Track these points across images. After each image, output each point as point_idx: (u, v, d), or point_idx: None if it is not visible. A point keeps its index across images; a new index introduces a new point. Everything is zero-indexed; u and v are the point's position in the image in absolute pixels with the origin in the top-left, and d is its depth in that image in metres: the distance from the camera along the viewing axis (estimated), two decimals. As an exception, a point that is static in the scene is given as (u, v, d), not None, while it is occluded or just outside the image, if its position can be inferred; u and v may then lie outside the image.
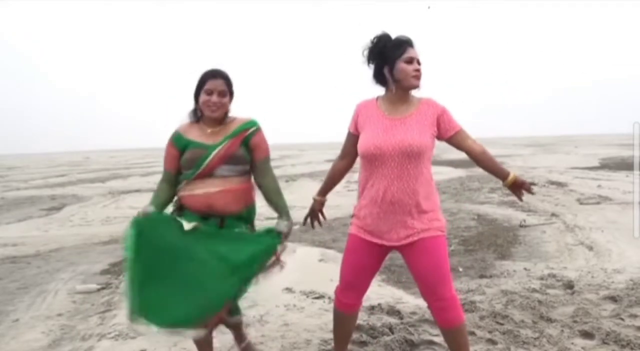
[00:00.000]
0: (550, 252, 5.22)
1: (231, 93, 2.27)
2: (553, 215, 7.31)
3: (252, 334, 2.94)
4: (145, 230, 2.07)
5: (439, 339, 2.87)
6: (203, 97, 2.21)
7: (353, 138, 2.30)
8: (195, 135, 2.25)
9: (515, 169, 14.99)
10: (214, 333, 2.49)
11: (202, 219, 2.19)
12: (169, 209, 2.31)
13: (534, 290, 3.73)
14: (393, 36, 2.20)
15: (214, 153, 2.18)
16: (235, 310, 2.45)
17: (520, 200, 2.33)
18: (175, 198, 2.31)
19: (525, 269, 4.47)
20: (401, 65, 2.13)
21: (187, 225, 2.13)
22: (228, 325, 2.53)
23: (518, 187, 2.25)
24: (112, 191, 13.69)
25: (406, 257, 2.23)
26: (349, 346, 2.80)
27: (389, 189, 2.13)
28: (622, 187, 9.99)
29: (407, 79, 2.14)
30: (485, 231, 6.41)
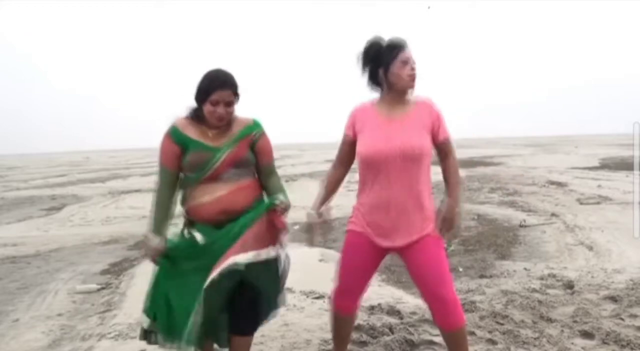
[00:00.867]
0: (550, 252, 5.22)
1: (237, 98, 2.15)
2: (553, 215, 7.31)
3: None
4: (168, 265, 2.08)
5: (439, 339, 2.87)
6: (208, 107, 2.06)
7: (350, 143, 2.26)
8: (196, 134, 2.11)
9: (515, 169, 14.94)
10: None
11: (217, 229, 2.07)
12: (178, 225, 2.18)
13: (534, 290, 3.73)
14: (386, 39, 2.18)
15: (222, 157, 2.07)
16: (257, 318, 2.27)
17: (443, 235, 2.19)
18: (183, 211, 2.17)
19: (525, 269, 4.47)
20: (396, 67, 2.12)
21: (199, 238, 2.06)
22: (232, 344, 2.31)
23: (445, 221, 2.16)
24: (112, 191, 13.70)
25: (406, 259, 2.20)
26: (349, 346, 2.80)
27: (392, 192, 2.12)
28: (622, 187, 9.99)
29: (403, 81, 2.13)
30: (485, 231, 6.41)
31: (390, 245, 2.17)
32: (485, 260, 4.94)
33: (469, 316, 3.19)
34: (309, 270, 4.55)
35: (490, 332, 2.91)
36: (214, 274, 1.93)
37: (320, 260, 4.93)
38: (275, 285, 2.22)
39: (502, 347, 2.72)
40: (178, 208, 2.20)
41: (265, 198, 2.21)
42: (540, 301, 3.42)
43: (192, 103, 2.17)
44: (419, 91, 2.23)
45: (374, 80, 2.20)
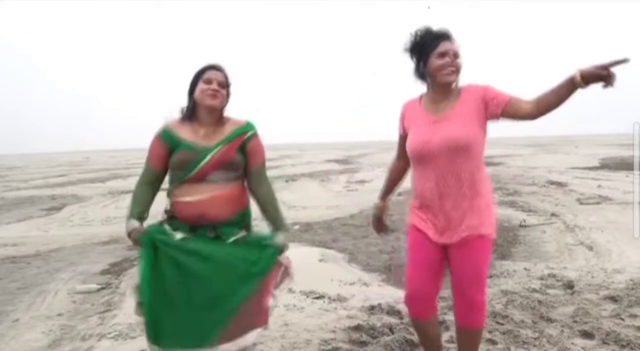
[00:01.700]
0: (550, 252, 5.22)
1: (228, 90, 2.16)
2: (553, 215, 7.31)
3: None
4: (155, 247, 2.07)
5: (439, 339, 2.87)
6: (201, 86, 2.07)
7: (403, 140, 2.25)
8: (187, 135, 2.09)
9: (515, 169, 14.95)
10: None
11: (191, 231, 2.06)
12: (155, 216, 2.18)
13: (534, 290, 3.73)
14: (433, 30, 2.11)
15: (207, 158, 2.04)
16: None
17: (609, 83, 1.81)
18: (167, 205, 2.16)
19: (525, 269, 4.47)
20: (433, 59, 2.04)
21: (179, 237, 2.06)
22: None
23: (595, 78, 1.81)
24: (112, 191, 13.69)
25: (450, 253, 2.13)
26: (349, 346, 2.80)
27: (441, 186, 2.07)
28: (622, 187, 9.99)
29: (440, 74, 2.05)
30: (485, 231, 6.40)
31: (446, 241, 2.11)
32: (485, 260, 4.94)
33: (469, 316, 3.19)
34: (309, 270, 4.54)
35: (490, 332, 2.91)
36: None
37: (320, 260, 4.92)
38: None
39: (502, 347, 2.72)
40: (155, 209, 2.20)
41: (264, 251, 2.10)
42: (540, 301, 3.42)
43: (186, 102, 2.17)
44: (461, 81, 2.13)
45: (419, 72, 2.15)
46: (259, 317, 2.09)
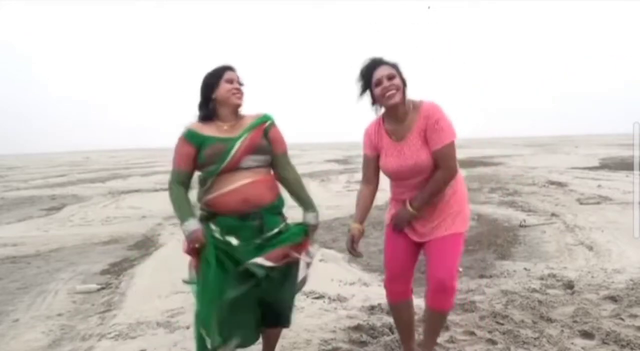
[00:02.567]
0: (550, 252, 5.22)
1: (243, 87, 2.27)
2: (553, 215, 7.30)
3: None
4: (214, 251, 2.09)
5: (439, 339, 2.87)
6: (226, 86, 2.17)
7: (372, 162, 2.40)
8: (212, 132, 2.17)
9: (515, 169, 14.93)
10: None
11: (240, 220, 2.13)
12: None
13: (534, 290, 3.73)
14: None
15: (238, 143, 2.12)
16: (281, 318, 2.33)
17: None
18: (201, 206, 2.23)
19: (525, 269, 4.47)
20: (375, 89, 2.21)
21: (234, 242, 2.11)
22: (265, 333, 2.40)
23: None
24: (112, 191, 13.69)
25: (427, 247, 2.34)
26: (349, 346, 2.80)
27: (407, 196, 2.31)
28: (622, 187, 9.98)
29: (383, 101, 2.21)
30: (485, 231, 6.40)
31: (417, 239, 2.34)
32: (485, 260, 4.94)
33: (469, 316, 3.20)
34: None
35: (490, 332, 2.91)
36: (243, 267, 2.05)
37: (321, 260, 4.93)
38: (290, 295, 2.33)
39: (502, 347, 2.72)
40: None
41: (298, 217, 2.31)
42: (540, 301, 3.42)
43: (196, 112, 2.25)
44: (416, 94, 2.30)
45: (374, 103, 2.30)
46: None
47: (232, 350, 2.09)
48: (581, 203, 8.25)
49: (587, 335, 2.86)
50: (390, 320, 3.17)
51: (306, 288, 3.87)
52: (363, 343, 2.82)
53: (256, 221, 2.15)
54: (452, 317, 3.17)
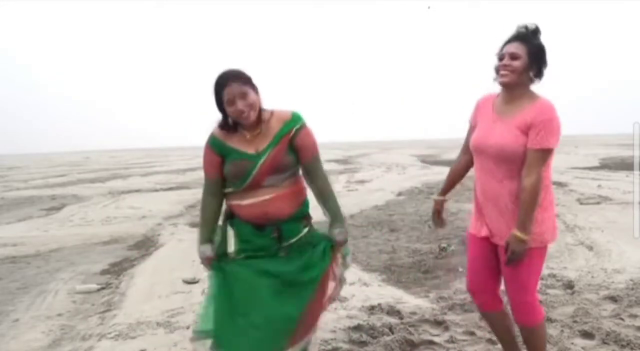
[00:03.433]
0: (550, 252, 5.17)
1: (254, 87, 2.03)
2: (553, 215, 7.30)
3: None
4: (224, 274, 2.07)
5: (439, 339, 2.88)
6: (229, 109, 1.99)
7: (469, 133, 2.29)
8: (235, 142, 2.05)
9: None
10: None
11: (257, 229, 2.06)
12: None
13: (534, 290, 3.73)
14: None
15: (258, 166, 2.00)
16: None
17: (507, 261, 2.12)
18: (225, 207, 2.17)
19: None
20: (498, 61, 2.10)
21: (230, 246, 2.08)
22: None
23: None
24: (112, 191, 13.68)
25: (501, 256, 2.19)
26: (349, 346, 2.80)
27: (487, 186, 2.16)
28: (622, 187, 9.98)
29: (497, 75, 2.11)
30: (485, 231, 6.40)
31: (493, 239, 2.20)
32: (485, 260, 4.94)
33: (469, 316, 3.19)
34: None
35: (490, 332, 2.90)
36: None
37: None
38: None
39: (502, 347, 2.72)
40: None
41: (326, 236, 2.18)
42: (540, 301, 3.41)
43: (219, 114, 2.09)
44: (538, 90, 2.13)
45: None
46: (318, 316, 2.15)
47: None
48: (581, 203, 8.24)
49: (587, 335, 2.86)
50: (390, 320, 3.18)
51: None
52: (363, 343, 2.82)
53: (274, 233, 2.07)
54: (452, 317, 3.17)
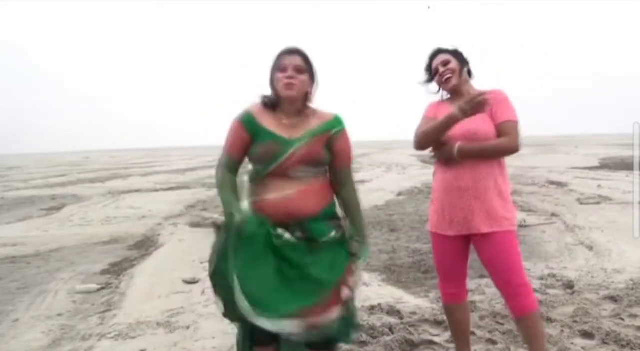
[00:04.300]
0: (550, 252, 5.22)
1: (312, 75, 1.96)
2: (553, 215, 7.30)
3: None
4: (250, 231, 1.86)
5: (439, 339, 2.88)
6: (277, 75, 1.91)
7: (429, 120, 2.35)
8: (270, 123, 1.94)
9: (515, 169, 15.04)
10: None
11: (281, 227, 1.90)
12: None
13: (534, 290, 3.69)
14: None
15: (291, 151, 1.89)
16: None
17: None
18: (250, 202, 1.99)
19: (525, 269, 4.47)
20: (436, 78, 2.31)
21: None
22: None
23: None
24: (112, 191, 13.67)
25: (475, 246, 2.28)
26: (349, 346, 2.80)
27: (461, 176, 2.19)
28: (622, 187, 9.98)
29: (442, 87, 2.32)
30: (485, 231, 6.40)
31: (463, 232, 2.23)
32: (485, 260, 4.94)
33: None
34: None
35: (490, 332, 2.91)
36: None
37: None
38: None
39: (502, 347, 2.72)
40: None
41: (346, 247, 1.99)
42: (540, 301, 3.41)
43: (267, 92, 2.01)
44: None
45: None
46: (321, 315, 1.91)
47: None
48: (581, 203, 8.24)
49: (587, 335, 2.86)
50: (390, 320, 3.18)
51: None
52: (363, 343, 2.82)
53: (297, 232, 1.92)
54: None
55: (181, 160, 34.86)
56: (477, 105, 2.04)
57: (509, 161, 2.31)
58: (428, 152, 2.33)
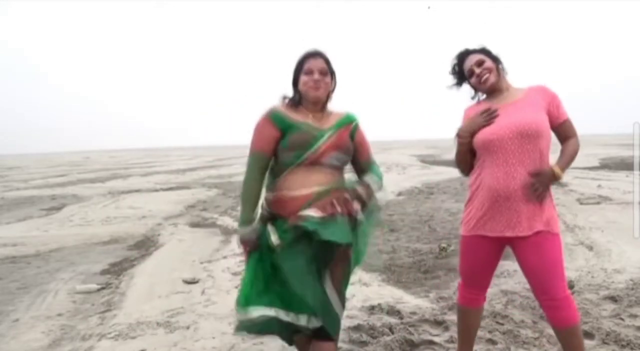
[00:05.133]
0: (550, 251, 5.21)
1: (332, 75, 2.09)
2: (553, 215, 7.30)
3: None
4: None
5: (439, 339, 2.88)
6: (303, 78, 2.03)
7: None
8: (299, 118, 2.04)
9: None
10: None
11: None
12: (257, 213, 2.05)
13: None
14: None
15: (327, 135, 2.00)
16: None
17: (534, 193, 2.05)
18: (265, 203, 2.07)
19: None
20: (470, 80, 2.23)
21: (274, 239, 1.95)
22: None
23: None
24: (112, 191, 13.68)
25: (517, 251, 2.14)
26: (349, 346, 2.80)
27: (509, 175, 2.05)
28: (622, 187, 9.98)
29: (479, 86, 2.22)
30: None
31: (505, 234, 2.10)
32: (485, 260, 4.94)
33: (469, 316, 3.19)
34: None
35: (490, 332, 2.91)
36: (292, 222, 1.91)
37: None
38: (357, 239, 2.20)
39: (502, 347, 2.72)
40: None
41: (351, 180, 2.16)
42: (540, 301, 3.42)
43: (288, 92, 2.13)
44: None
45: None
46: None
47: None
48: (581, 203, 8.24)
49: (587, 335, 2.86)
50: (390, 320, 3.18)
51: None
52: (363, 343, 2.82)
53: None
54: (452, 317, 3.17)
55: (181, 160, 34.86)
56: (475, 125, 2.14)
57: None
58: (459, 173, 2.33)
